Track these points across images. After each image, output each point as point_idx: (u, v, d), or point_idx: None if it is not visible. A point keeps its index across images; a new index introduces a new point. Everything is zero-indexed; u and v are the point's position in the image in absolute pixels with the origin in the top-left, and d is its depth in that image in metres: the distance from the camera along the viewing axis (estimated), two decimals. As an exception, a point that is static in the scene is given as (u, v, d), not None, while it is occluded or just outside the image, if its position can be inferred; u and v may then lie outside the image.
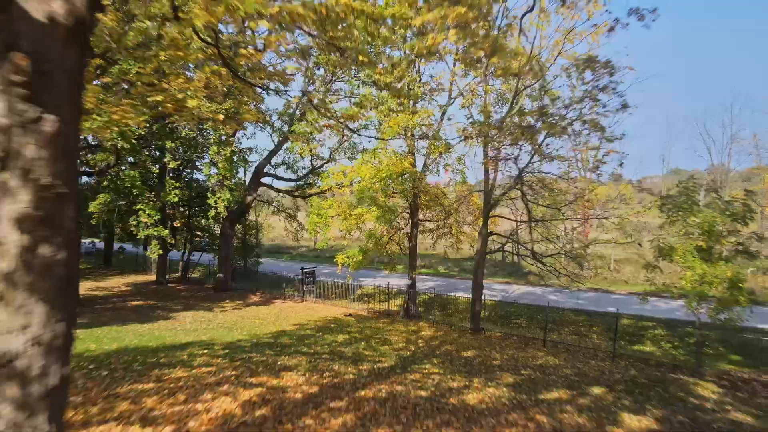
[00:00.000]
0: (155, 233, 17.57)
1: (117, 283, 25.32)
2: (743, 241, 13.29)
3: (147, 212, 17.28)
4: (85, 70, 3.09)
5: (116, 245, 33.81)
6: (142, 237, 19.21)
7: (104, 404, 6.13)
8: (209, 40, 3.93)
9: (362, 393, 7.92)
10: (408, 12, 3.36)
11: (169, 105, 4.92)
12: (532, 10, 9.43)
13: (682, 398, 10.09)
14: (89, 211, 21.23)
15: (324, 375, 9.03)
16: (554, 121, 12.07)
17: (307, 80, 15.09)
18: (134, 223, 20.53)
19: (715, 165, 36.63)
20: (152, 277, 26.51)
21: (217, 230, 24.85)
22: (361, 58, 4.23)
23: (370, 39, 3.90)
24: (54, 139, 2.49)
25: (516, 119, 13.77)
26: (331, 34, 3.45)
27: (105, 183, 23.73)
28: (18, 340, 2.42)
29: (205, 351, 10.61)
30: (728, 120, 78.10)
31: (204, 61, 4.93)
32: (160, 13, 4.18)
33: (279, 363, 9.73)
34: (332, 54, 4.40)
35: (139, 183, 17.04)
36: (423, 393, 8.41)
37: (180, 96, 4.87)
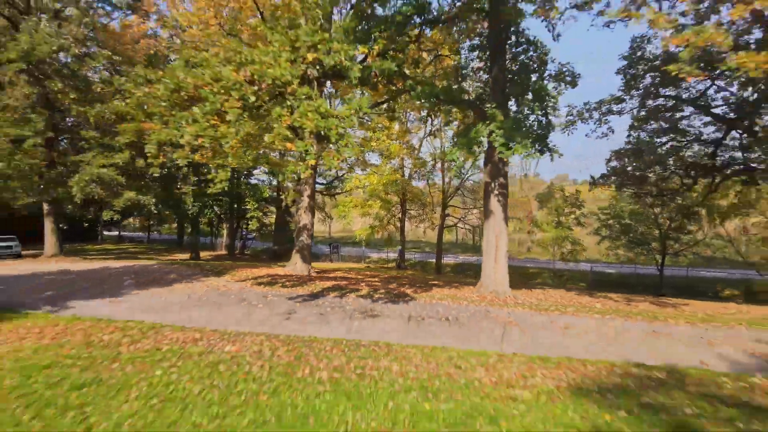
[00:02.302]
0: (256, 215, 28.81)
1: (201, 255, 36.64)
2: (578, 218, 24.64)
3: (251, 203, 28.52)
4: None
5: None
6: (251, 217, 30.44)
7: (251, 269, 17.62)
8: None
9: (372, 281, 19.30)
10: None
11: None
12: (431, 133, 20.76)
13: (525, 288, 21.34)
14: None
15: (356, 275, 20.42)
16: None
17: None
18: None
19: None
20: (221, 252, 37.90)
21: (265, 219, 36.29)
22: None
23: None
24: (311, 192, 14.11)
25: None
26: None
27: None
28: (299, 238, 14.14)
29: (298, 268, 21.91)
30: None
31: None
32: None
33: (331, 275, 21.10)
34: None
35: (244, 185, 28.43)
36: (404, 280, 19.76)
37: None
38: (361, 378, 5.35)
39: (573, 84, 11.63)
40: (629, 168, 17.79)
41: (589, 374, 5.76)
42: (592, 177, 19.25)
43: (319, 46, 8.13)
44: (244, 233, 39.05)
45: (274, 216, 34.77)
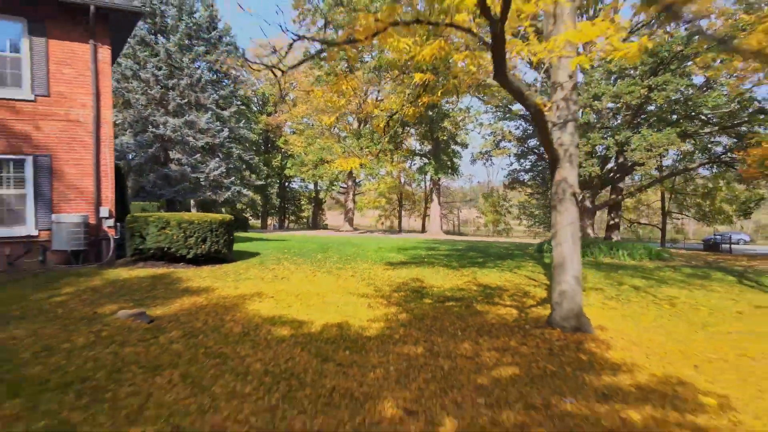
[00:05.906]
0: (305, 208, 44.76)
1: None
2: (508, 207, 40.26)
3: (304, 199, 44.37)
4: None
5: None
6: (304, 209, 46.45)
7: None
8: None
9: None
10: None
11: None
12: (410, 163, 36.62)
13: (470, 248, 36.97)
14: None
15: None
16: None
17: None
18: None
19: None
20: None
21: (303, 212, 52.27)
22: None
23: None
24: (353, 191, 30.14)
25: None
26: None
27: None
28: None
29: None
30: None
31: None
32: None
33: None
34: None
35: (297, 191, 44.54)
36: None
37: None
38: (374, 238, 21.19)
39: (466, 146, 27.43)
40: (520, 178, 33.42)
41: (415, 242, 21.51)
42: (503, 183, 35.02)
43: (368, 144, 24.23)
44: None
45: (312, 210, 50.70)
